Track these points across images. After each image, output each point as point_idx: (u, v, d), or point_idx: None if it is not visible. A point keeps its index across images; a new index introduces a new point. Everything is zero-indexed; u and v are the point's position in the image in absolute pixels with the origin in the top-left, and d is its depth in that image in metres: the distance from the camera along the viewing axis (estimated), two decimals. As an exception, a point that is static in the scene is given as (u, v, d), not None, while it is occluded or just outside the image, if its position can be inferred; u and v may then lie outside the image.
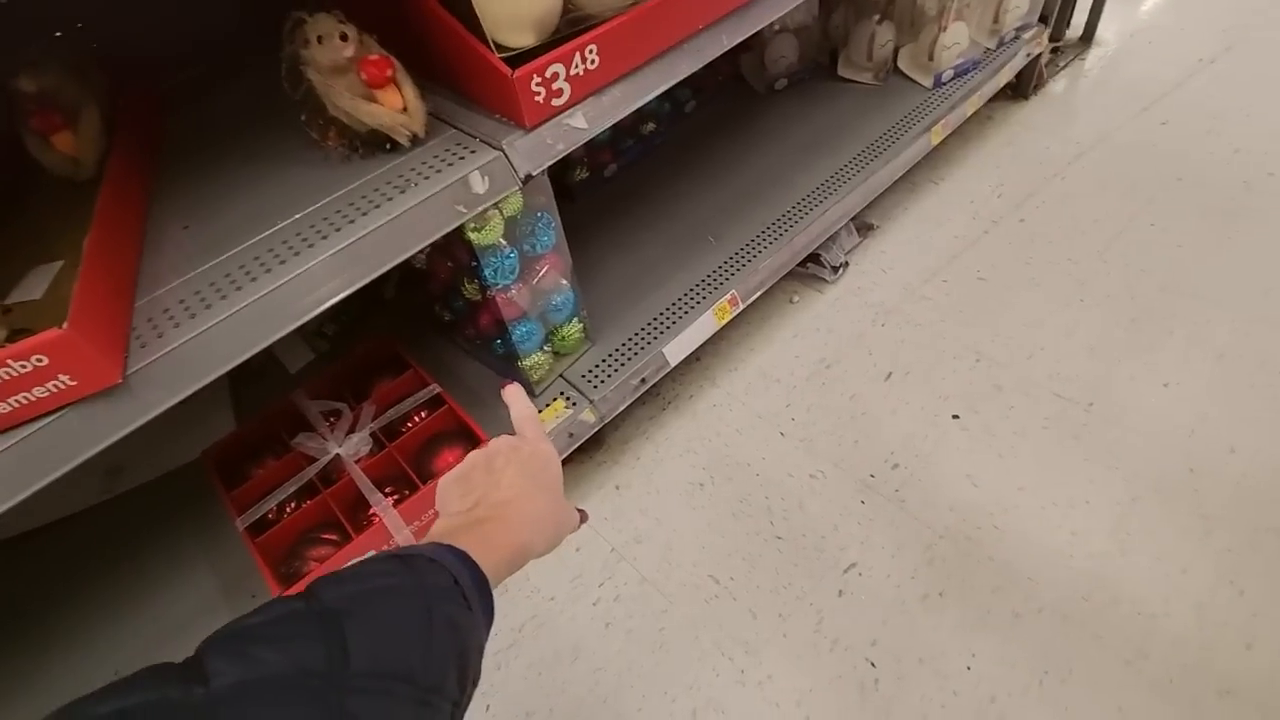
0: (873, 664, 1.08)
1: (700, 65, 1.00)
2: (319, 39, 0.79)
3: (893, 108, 1.72)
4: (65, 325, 0.60)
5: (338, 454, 1.08)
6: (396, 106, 0.85)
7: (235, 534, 1.02)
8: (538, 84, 0.83)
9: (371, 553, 0.41)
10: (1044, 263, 1.61)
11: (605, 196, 1.63)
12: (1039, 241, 1.66)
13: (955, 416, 1.37)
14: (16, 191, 0.89)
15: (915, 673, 1.06)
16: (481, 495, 0.52)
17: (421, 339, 1.38)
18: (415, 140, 0.88)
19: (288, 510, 1.05)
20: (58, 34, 1.07)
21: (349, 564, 0.42)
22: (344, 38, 0.80)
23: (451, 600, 0.41)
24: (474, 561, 0.44)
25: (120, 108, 0.94)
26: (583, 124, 0.90)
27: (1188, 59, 2.07)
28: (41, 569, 1.12)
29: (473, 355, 1.34)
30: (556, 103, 0.86)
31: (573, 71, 0.85)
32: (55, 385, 0.62)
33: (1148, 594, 1.08)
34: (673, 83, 0.98)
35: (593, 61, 0.86)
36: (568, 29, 0.87)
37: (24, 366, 0.60)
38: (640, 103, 0.95)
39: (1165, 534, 1.14)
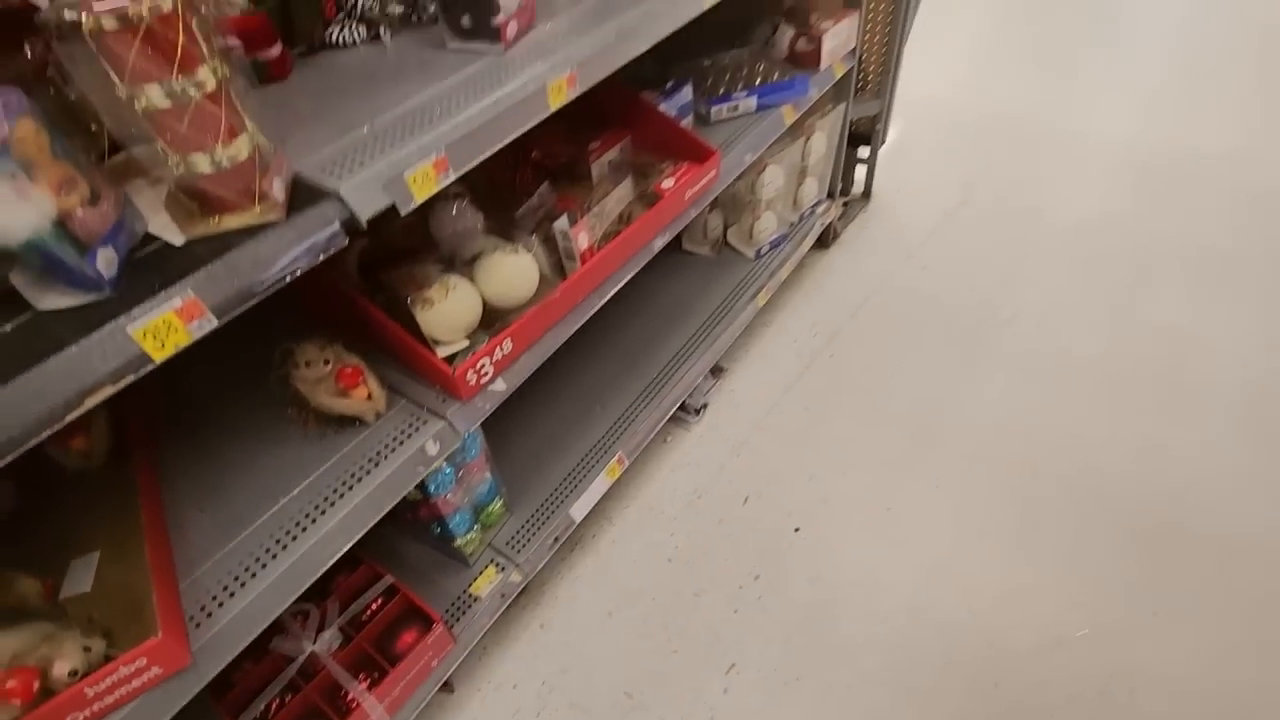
0: (753, 745, 1.44)
1: (584, 319, 1.38)
2: (306, 363, 1.08)
3: (727, 277, 2.19)
4: (160, 634, 0.84)
5: (313, 651, 1.30)
6: (364, 397, 1.14)
7: (222, 736, 1.21)
8: (471, 373, 1.16)
9: None
10: (849, 391, 2.11)
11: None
12: (845, 373, 2.17)
13: (797, 529, 1.80)
14: (38, 484, 1.08)
15: (783, 746, 1.43)
16: None
17: (362, 523, 1.62)
18: (378, 416, 1.17)
19: (273, 709, 1.26)
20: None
21: None
22: (325, 361, 1.09)
23: None
24: None
25: (124, 406, 1.16)
26: (503, 387, 1.24)
27: (937, 210, 2.75)
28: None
29: (410, 535, 1.60)
30: (485, 380, 1.19)
31: (495, 358, 1.19)
32: (146, 676, 0.85)
33: (935, 652, 1.53)
34: (566, 338, 1.34)
35: (508, 347, 1.21)
36: (485, 325, 1.21)
37: (128, 669, 0.83)
38: (543, 359, 1.31)
39: (943, 604, 1.61)
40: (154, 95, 0.68)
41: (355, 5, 1.17)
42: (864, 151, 2.72)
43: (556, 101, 1.07)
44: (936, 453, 1.92)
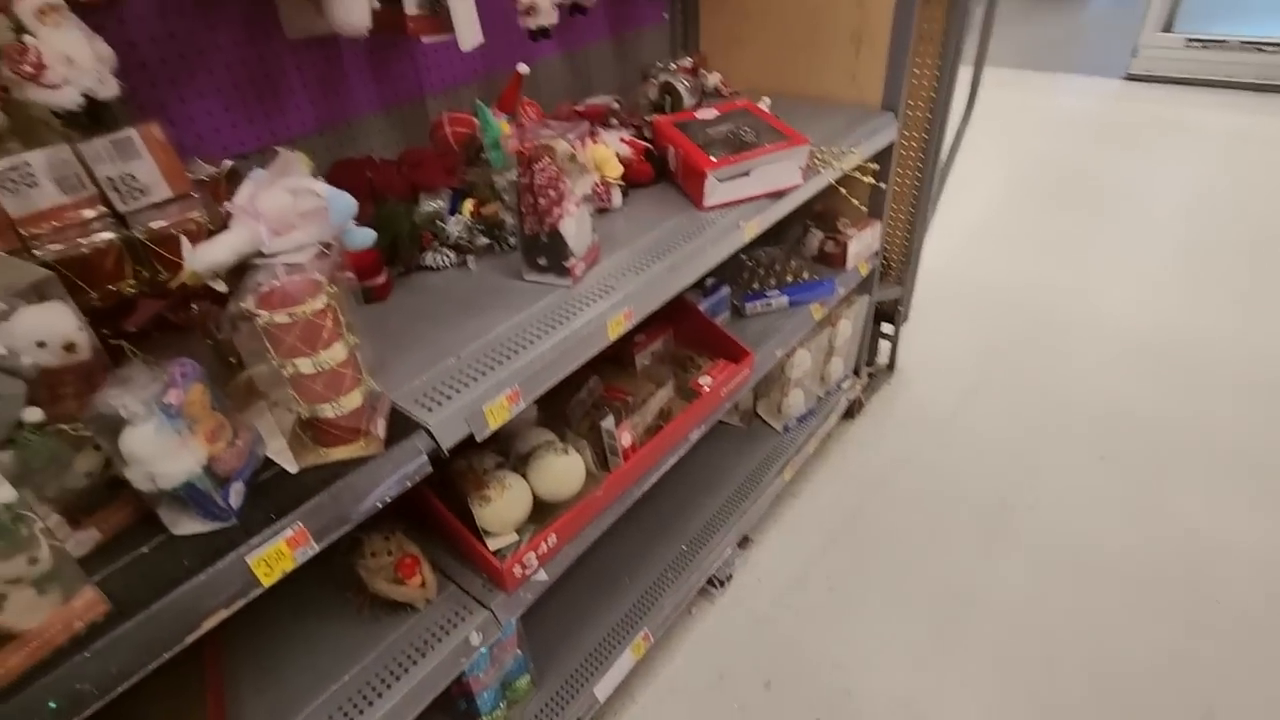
0: None
1: (624, 509, 1.47)
2: (372, 554, 1.19)
3: (755, 449, 2.29)
4: (215, 834, 0.89)
5: (333, 834, 1.31)
6: (418, 585, 1.23)
7: None
8: (518, 568, 1.25)
9: None
10: (874, 573, 2.14)
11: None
12: (869, 554, 2.20)
13: (819, 722, 1.78)
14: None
15: None
16: None
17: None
18: (428, 602, 1.25)
19: None
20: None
21: None
22: (388, 553, 1.19)
23: None
24: None
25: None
26: (545, 577, 1.32)
27: (957, 386, 2.86)
28: None
29: (435, 706, 1.62)
30: (529, 573, 1.28)
31: (540, 551, 1.28)
32: None
33: None
34: (605, 527, 1.44)
35: (553, 541, 1.30)
36: (532, 518, 1.32)
37: None
38: (584, 549, 1.39)
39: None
40: (301, 365, 0.83)
41: (448, 235, 1.37)
42: (887, 327, 2.90)
43: (615, 334, 1.23)
44: (961, 647, 1.91)
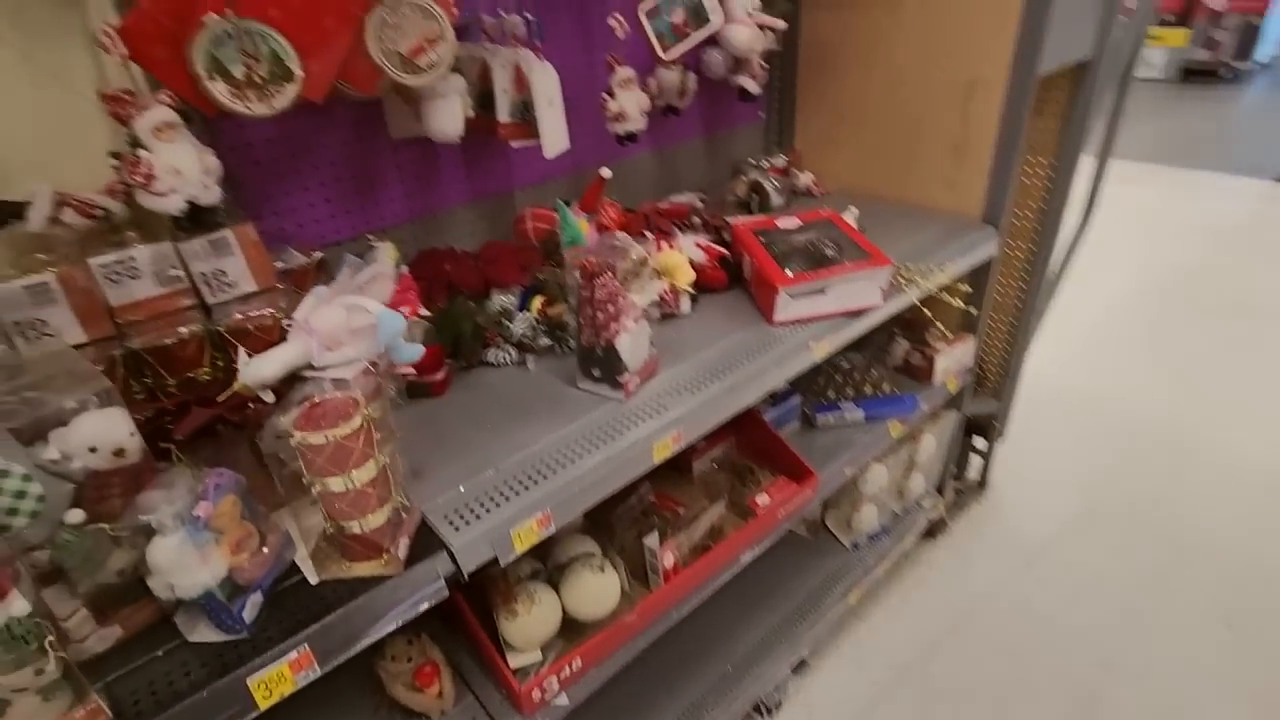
0: None
1: (659, 634, 1.39)
2: (393, 657, 1.17)
3: (819, 564, 2.14)
4: None
5: None
6: (434, 695, 1.19)
7: None
8: (537, 692, 1.19)
9: None
10: (943, 726, 1.91)
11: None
12: (941, 701, 1.97)
13: None
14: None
15: None
16: None
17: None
18: (443, 714, 1.21)
19: None
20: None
21: None
22: (409, 659, 1.17)
23: None
24: None
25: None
26: (565, 702, 1.25)
27: (1059, 515, 2.58)
28: None
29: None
30: (549, 697, 1.22)
31: (562, 675, 1.22)
32: None
33: None
34: (636, 652, 1.36)
35: (577, 666, 1.24)
36: (560, 632, 1.26)
37: None
38: (612, 673, 1.32)
39: None
40: (331, 484, 0.84)
41: (512, 333, 1.39)
42: (980, 441, 2.68)
43: (660, 457, 1.18)
44: (1042, 837, 1.65)
